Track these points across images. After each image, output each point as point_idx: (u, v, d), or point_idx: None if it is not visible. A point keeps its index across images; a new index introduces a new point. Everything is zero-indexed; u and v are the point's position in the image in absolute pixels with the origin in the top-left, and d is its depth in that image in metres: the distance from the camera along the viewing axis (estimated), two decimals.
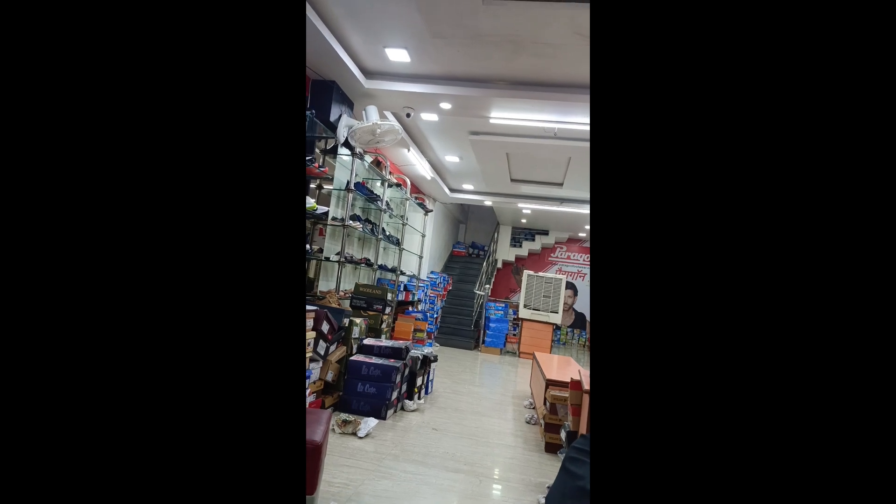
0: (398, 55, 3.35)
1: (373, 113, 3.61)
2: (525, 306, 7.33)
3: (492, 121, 4.17)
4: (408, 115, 4.05)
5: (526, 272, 7.59)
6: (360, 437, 2.61)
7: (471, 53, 3.22)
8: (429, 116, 4.32)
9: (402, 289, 5.85)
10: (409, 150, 5.19)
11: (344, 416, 2.76)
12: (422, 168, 5.83)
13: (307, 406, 2.66)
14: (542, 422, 3.05)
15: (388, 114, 4.16)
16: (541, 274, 7.64)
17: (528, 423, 3.39)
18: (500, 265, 10.02)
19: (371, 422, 2.73)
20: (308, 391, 2.70)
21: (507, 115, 4.03)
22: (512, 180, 6.45)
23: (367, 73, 3.64)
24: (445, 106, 3.89)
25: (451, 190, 7.41)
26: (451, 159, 5.87)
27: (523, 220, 9.40)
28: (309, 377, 2.70)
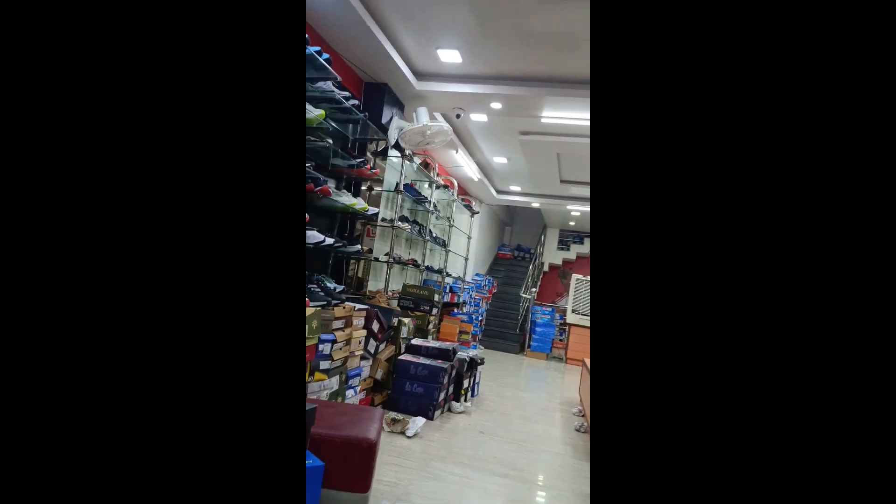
0: (450, 56, 3.35)
1: (423, 114, 3.63)
2: (573, 311, 7.15)
3: (543, 120, 4.09)
4: (458, 116, 4.05)
5: (574, 276, 7.40)
6: (409, 437, 2.62)
7: (523, 53, 3.18)
8: (478, 117, 4.30)
9: (447, 290, 5.85)
10: (457, 151, 5.19)
11: (393, 414, 2.78)
12: (469, 169, 5.81)
13: (359, 403, 2.70)
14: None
15: (437, 115, 4.18)
16: (590, 278, 7.42)
17: (577, 430, 3.29)
18: (546, 268, 9.84)
19: (419, 421, 2.74)
20: (358, 388, 2.74)
21: (560, 114, 3.95)
22: (562, 181, 6.31)
23: (419, 75, 3.67)
24: (496, 106, 3.86)
25: (498, 191, 7.35)
26: (499, 160, 5.82)
27: (572, 223, 9.18)
28: (360, 374, 2.75)
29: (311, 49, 2.44)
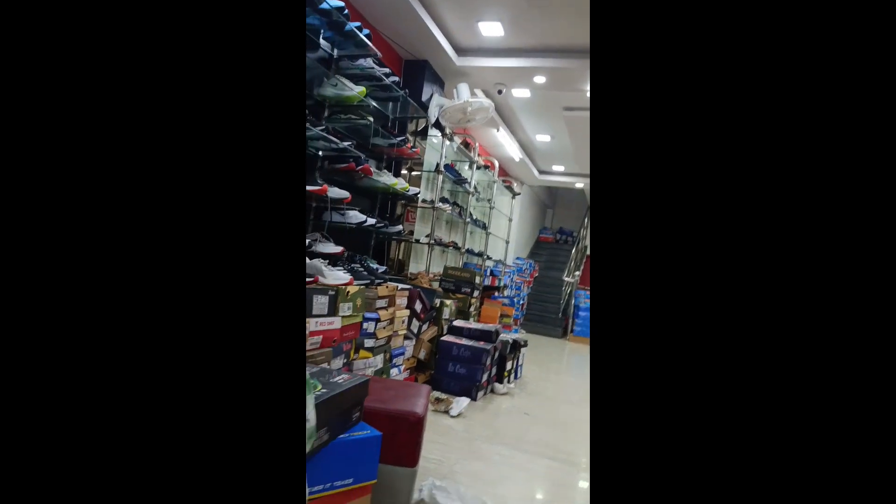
0: (491, 29, 3.24)
1: (464, 91, 3.54)
2: None
3: (588, 94, 3.91)
4: (499, 92, 3.94)
5: None
6: (453, 416, 2.60)
7: (570, 22, 3.02)
8: (520, 93, 4.17)
9: (488, 274, 5.79)
10: (498, 130, 5.07)
11: (436, 394, 2.77)
12: (510, 149, 5.68)
13: (403, 380, 2.71)
14: None
15: (478, 91, 4.07)
16: None
17: None
18: (590, 252, 9.57)
19: (463, 401, 2.72)
20: (402, 367, 2.75)
21: None
22: None
23: (459, 50, 3.58)
24: (539, 80, 3.71)
25: (541, 171, 7.17)
26: (541, 138, 5.66)
27: None
28: (403, 353, 2.75)
29: (352, 24, 2.40)
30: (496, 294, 6.02)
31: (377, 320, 2.38)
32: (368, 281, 2.49)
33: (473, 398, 2.96)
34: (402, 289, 2.74)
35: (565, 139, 5.44)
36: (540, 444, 2.43)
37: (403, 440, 1.39)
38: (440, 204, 4.04)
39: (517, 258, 7.75)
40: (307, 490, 0.93)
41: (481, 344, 3.11)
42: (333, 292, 2.03)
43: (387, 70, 2.80)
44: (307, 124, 2.21)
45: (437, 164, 3.97)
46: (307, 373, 0.80)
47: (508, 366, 3.49)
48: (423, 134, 3.95)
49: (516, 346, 3.64)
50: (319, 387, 1.02)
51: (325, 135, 2.32)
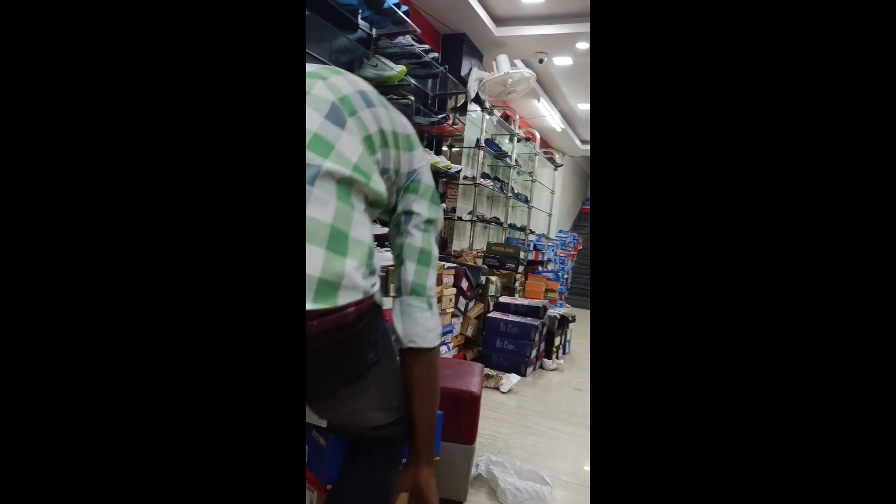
0: None
1: (504, 62, 3.44)
2: None
3: None
4: (540, 62, 3.80)
5: None
6: (503, 392, 2.63)
7: None
8: (562, 61, 4.00)
9: (531, 248, 5.72)
10: (539, 100, 4.92)
11: (486, 370, 2.81)
12: (552, 119, 5.51)
13: (452, 357, 2.76)
14: None
15: (518, 62, 3.95)
16: None
17: None
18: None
19: (513, 378, 2.74)
20: (451, 345, 2.79)
21: None
22: None
23: (498, 20, 3.46)
24: (583, 46, 3.55)
25: (583, 141, 6.93)
26: (584, 107, 5.45)
27: None
28: (451, 331, 2.79)
29: (390, 2, 2.36)
30: (540, 268, 5.96)
31: None
32: None
33: (523, 374, 2.97)
34: (449, 267, 2.76)
35: None
36: None
37: (461, 418, 1.42)
38: (481, 180, 3.99)
39: (560, 231, 7.61)
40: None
41: (529, 320, 3.10)
42: (383, 273, 2.07)
43: (425, 46, 2.75)
44: None
45: (478, 140, 3.91)
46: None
47: (557, 341, 3.47)
48: (463, 109, 3.89)
49: (564, 322, 3.60)
50: None
51: None
